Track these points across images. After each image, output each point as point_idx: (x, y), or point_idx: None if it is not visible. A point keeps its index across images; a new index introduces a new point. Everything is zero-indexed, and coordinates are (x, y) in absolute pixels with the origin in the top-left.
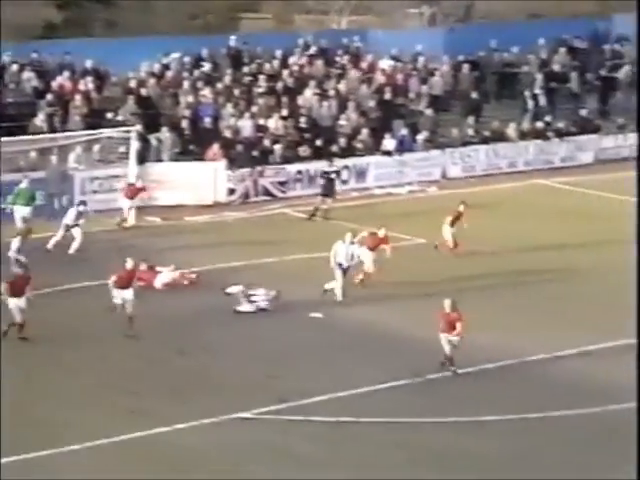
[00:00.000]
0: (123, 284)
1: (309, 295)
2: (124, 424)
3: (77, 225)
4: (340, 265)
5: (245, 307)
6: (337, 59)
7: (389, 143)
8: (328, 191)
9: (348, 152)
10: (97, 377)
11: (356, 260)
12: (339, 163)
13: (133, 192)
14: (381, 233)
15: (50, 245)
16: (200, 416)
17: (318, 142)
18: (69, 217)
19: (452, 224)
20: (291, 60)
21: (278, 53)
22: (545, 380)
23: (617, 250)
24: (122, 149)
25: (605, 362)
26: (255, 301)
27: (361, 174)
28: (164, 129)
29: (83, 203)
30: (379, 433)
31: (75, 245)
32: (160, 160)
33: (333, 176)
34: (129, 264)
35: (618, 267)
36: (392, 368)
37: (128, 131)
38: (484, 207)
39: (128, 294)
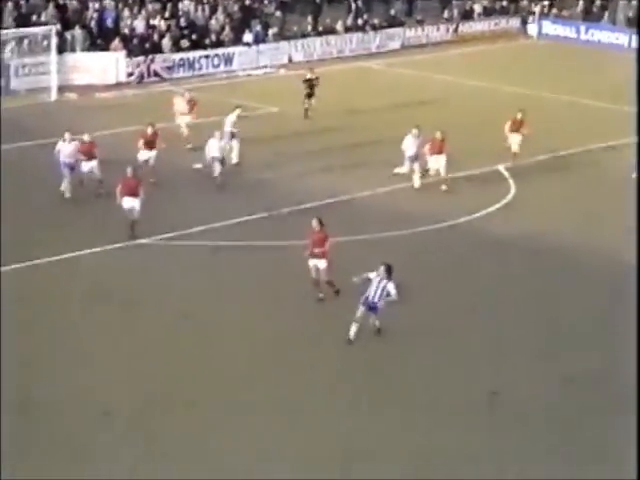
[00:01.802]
0: (131, 192)
1: (192, 153)
2: (57, 247)
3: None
4: (410, 157)
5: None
6: None
7: (248, 37)
8: (312, 93)
9: (217, 44)
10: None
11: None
12: (211, 52)
13: (151, 138)
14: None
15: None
16: (111, 242)
17: (194, 37)
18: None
19: (517, 130)
20: None
21: None
22: (363, 210)
23: (418, 111)
24: (45, 43)
25: (404, 197)
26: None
27: (228, 60)
28: (77, 27)
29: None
30: (245, 254)
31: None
32: (74, 51)
33: (315, 82)
34: (130, 172)
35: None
36: (251, 205)
37: (50, 29)
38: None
39: (136, 203)
